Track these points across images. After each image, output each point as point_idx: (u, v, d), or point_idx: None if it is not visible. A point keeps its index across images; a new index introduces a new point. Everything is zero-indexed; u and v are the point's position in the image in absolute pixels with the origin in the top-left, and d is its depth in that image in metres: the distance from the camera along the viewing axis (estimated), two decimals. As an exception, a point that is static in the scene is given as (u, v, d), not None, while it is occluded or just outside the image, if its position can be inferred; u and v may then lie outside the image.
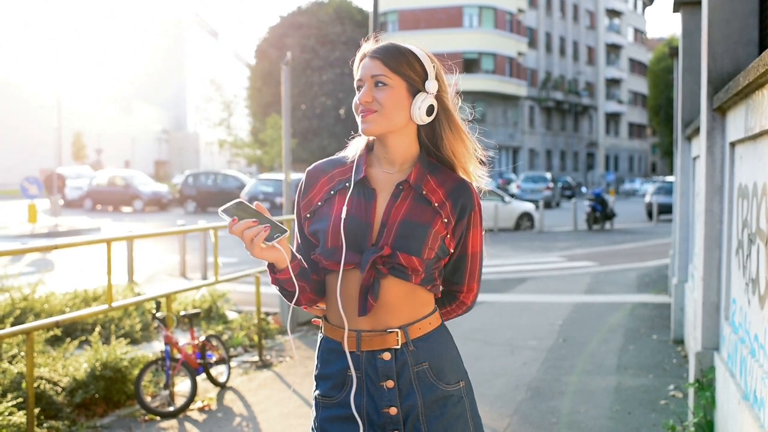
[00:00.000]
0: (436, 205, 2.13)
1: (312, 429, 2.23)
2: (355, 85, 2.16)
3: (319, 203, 2.18)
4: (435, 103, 2.13)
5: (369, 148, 2.23)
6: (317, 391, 2.22)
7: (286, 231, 2.03)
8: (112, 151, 73.05)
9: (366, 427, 2.13)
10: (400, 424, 2.13)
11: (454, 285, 2.25)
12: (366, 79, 2.11)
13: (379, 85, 2.10)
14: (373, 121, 2.10)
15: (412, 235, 2.09)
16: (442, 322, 2.24)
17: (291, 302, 2.19)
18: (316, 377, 2.23)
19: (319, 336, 2.26)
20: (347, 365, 2.14)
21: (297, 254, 2.17)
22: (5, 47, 73.96)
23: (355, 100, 2.13)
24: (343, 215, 2.11)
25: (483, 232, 2.22)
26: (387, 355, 2.12)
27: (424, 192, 2.13)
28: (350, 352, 2.13)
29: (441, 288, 2.24)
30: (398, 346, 2.12)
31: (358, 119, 2.14)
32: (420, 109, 2.11)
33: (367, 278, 2.09)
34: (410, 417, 2.13)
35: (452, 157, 2.18)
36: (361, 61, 2.16)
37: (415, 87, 2.11)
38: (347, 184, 2.17)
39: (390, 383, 2.12)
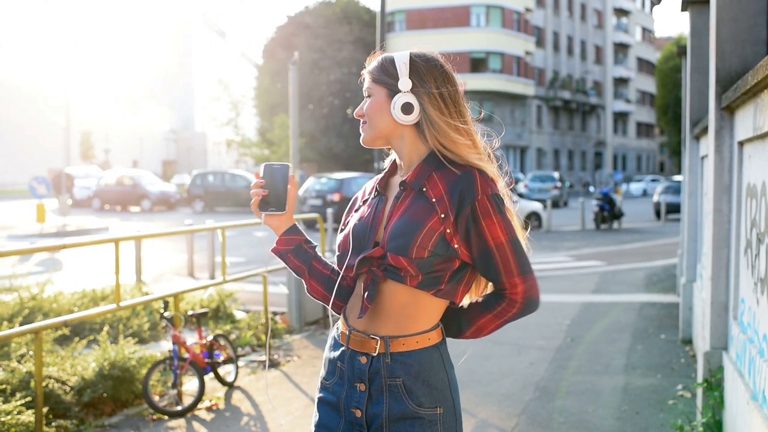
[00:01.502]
0: (434, 200, 2.09)
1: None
2: None
3: (350, 215, 2.30)
4: (413, 101, 2.13)
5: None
6: (322, 371, 2.31)
7: (282, 210, 2.20)
8: (120, 150, 73.25)
9: (343, 418, 2.20)
10: (364, 428, 2.15)
11: (495, 283, 2.13)
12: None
13: (367, 97, 2.21)
14: (363, 131, 2.22)
15: (403, 234, 2.07)
16: (436, 344, 2.16)
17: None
18: (323, 359, 2.32)
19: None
20: (338, 356, 2.23)
21: (308, 238, 2.28)
22: (13, 47, 74.17)
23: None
24: (353, 222, 2.22)
25: (508, 220, 2.09)
26: (363, 359, 2.15)
27: (424, 189, 2.12)
28: (342, 345, 2.22)
29: (461, 293, 2.17)
30: (374, 354, 2.14)
31: None
32: (395, 109, 2.14)
33: (366, 281, 2.14)
34: (374, 425, 2.15)
35: (444, 151, 2.13)
36: None
37: (394, 91, 2.16)
38: (371, 195, 2.28)
39: (362, 386, 2.15)
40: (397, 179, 2.23)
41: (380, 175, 2.29)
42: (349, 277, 2.21)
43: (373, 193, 2.26)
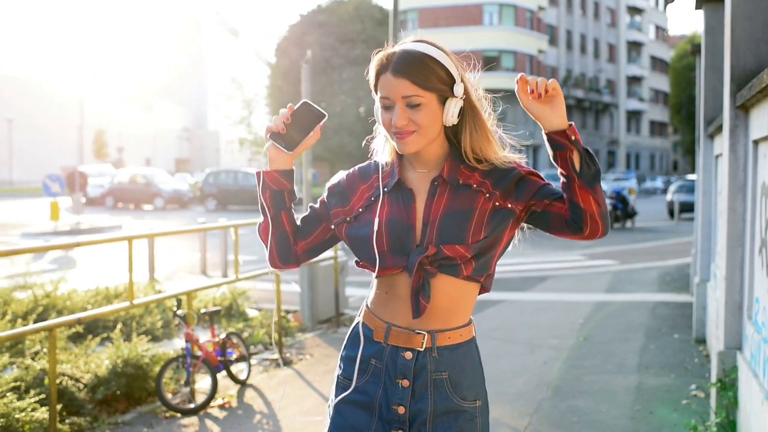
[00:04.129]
0: (475, 186, 2.10)
1: (328, 406, 2.26)
2: (379, 102, 2.10)
3: (360, 209, 2.18)
4: (462, 103, 2.11)
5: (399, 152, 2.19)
6: (339, 371, 2.24)
7: (290, 151, 2.13)
8: (134, 149, 73.57)
9: (377, 418, 2.15)
10: (406, 424, 2.13)
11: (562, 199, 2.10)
12: (396, 99, 2.05)
13: (412, 105, 2.05)
14: (413, 142, 2.08)
15: (454, 224, 2.07)
16: (473, 338, 2.20)
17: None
18: (342, 358, 2.25)
19: (357, 319, 2.26)
20: (372, 353, 2.16)
21: (293, 189, 2.20)
22: (28, 46, 74.55)
23: (391, 119, 2.07)
24: (376, 222, 2.11)
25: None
26: (408, 355, 2.12)
27: (461, 181, 2.11)
28: (378, 342, 2.15)
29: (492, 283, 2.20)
30: (421, 349, 2.12)
31: (393, 139, 2.11)
32: (453, 116, 2.09)
33: (416, 280, 2.08)
34: (417, 421, 2.13)
35: (476, 152, 2.13)
36: (379, 73, 2.09)
37: (444, 95, 2.08)
38: (385, 189, 2.16)
39: (405, 382, 2.12)
40: (415, 174, 2.16)
41: (392, 170, 2.18)
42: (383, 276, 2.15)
43: (388, 186, 2.16)
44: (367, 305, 2.24)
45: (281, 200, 2.17)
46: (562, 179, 2.07)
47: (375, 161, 2.26)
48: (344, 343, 2.26)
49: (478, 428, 2.16)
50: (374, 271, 2.12)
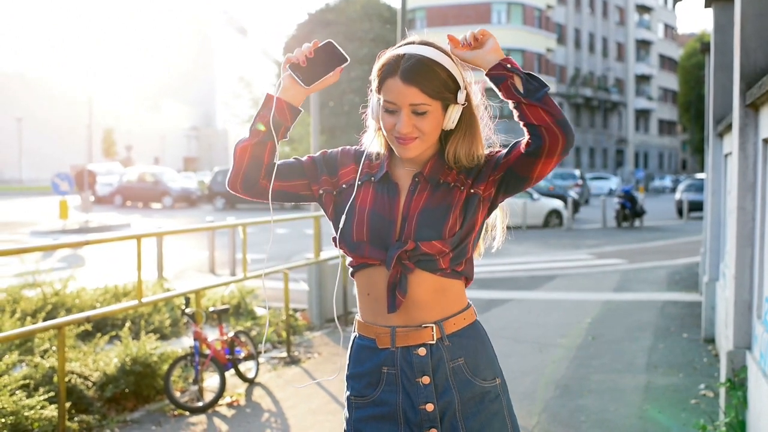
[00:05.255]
0: (452, 184, 2.12)
1: (344, 431, 2.22)
2: (381, 105, 2.09)
3: (344, 186, 2.19)
4: (462, 108, 2.12)
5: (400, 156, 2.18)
6: (349, 392, 2.20)
7: (306, 85, 2.12)
8: (142, 147, 73.71)
9: (403, 425, 2.12)
10: (437, 421, 2.11)
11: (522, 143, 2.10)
12: (402, 106, 2.05)
13: (418, 112, 2.06)
14: (415, 147, 2.09)
15: (432, 221, 2.08)
16: (476, 320, 2.21)
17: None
18: (348, 377, 2.21)
19: (352, 335, 2.25)
20: (381, 362, 2.13)
21: (290, 129, 2.17)
22: (38, 45, 74.83)
23: (394, 124, 2.07)
24: (357, 211, 2.13)
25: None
26: (422, 351, 2.10)
27: (441, 180, 2.13)
28: (384, 349, 2.13)
29: (473, 269, 2.20)
30: (433, 342, 2.11)
31: (394, 143, 2.11)
32: (454, 122, 2.10)
33: (393, 274, 2.09)
34: (447, 414, 2.11)
35: (456, 157, 2.13)
36: (386, 76, 2.08)
37: (448, 102, 2.08)
38: (372, 178, 2.18)
39: (426, 379, 2.10)
40: (402, 170, 2.17)
41: (383, 161, 2.19)
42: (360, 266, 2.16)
43: (375, 177, 2.17)
44: (358, 319, 2.22)
45: (276, 132, 2.14)
46: (514, 113, 2.07)
47: (369, 150, 2.24)
48: (347, 363, 2.23)
49: (504, 406, 2.17)
50: (351, 256, 2.15)
